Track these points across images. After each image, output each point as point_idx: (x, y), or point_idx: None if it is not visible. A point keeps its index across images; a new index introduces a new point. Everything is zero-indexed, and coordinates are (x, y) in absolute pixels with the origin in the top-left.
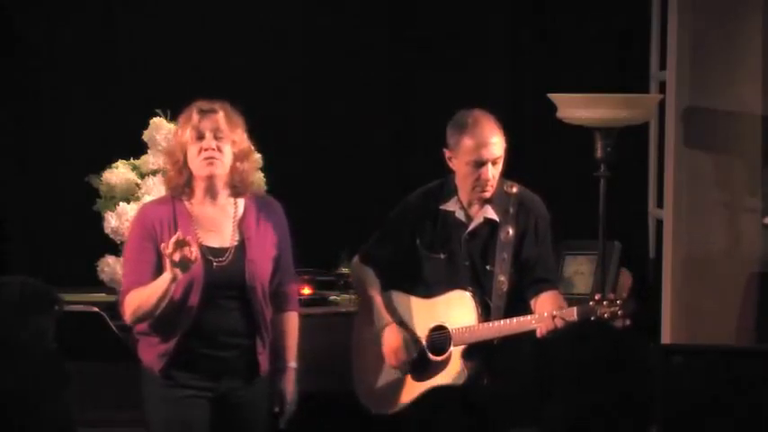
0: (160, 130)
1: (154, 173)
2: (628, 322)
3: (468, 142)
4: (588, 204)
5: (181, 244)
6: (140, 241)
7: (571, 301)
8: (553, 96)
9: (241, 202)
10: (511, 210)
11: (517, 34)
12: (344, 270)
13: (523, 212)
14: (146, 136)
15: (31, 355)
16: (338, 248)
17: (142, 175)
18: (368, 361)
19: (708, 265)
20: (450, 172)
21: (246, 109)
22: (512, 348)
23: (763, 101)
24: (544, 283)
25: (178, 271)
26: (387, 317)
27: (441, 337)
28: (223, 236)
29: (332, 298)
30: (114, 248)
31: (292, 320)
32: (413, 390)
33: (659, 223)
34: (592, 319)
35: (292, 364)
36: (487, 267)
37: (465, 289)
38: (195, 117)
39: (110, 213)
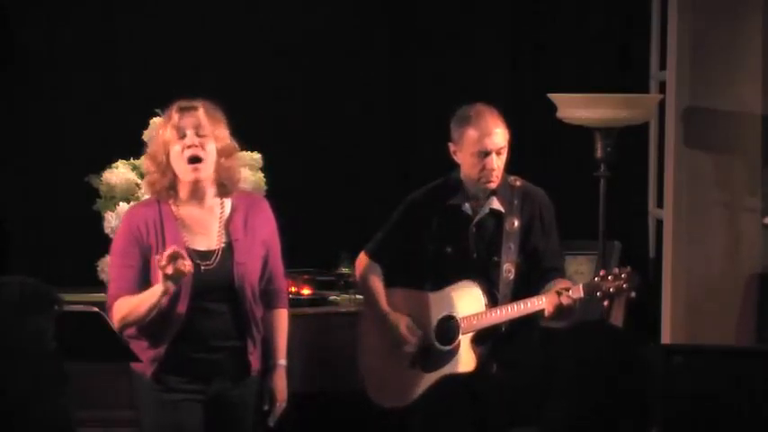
0: None
1: None
2: (633, 295)
3: (471, 134)
4: (588, 204)
5: (174, 257)
6: (126, 245)
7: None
8: (553, 96)
9: (228, 201)
10: (515, 201)
11: (517, 34)
12: (344, 270)
13: (528, 203)
14: (146, 136)
15: (31, 355)
16: (338, 248)
17: (142, 175)
18: (376, 357)
19: (708, 265)
20: (455, 167)
21: (246, 109)
22: (521, 339)
23: (763, 101)
24: (553, 272)
25: (170, 284)
26: (387, 308)
27: (449, 326)
28: (210, 238)
29: (332, 298)
30: None
31: (282, 318)
32: (424, 381)
33: (659, 223)
34: (598, 294)
35: (282, 361)
36: (494, 258)
37: (472, 279)
38: (175, 116)
39: (110, 213)
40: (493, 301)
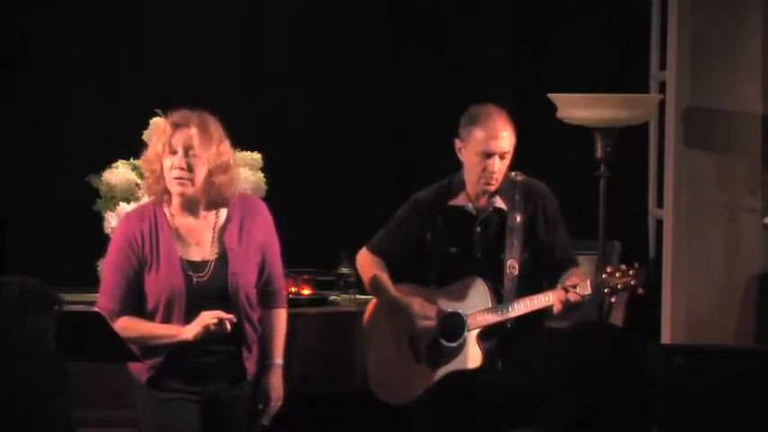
0: None
1: None
2: (641, 291)
3: (478, 133)
4: (588, 204)
5: (220, 323)
6: (120, 255)
7: None
8: (553, 96)
9: (223, 211)
10: (517, 197)
11: (517, 34)
12: (344, 270)
13: (530, 198)
14: (146, 136)
15: (30, 355)
16: (338, 248)
17: (142, 175)
18: (382, 353)
19: (708, 265)
20: (458, 166)
21: (246, 109)
22: (527, 337)
23: (763, 101)
24: (565, 263)
25: (193, 337)
26: (396, 292)
27: (455, 322)
28: (204, 248)
29: (332, 298)
30: None
31: (280, 317)
32: (430, 377)
33: (659, 223)
34: (606, 290)
35: (278, 360)
36: (499, 256)
37: (477, 277)
38: (168, 130)
39: (110, 213)
40: (498, 298)
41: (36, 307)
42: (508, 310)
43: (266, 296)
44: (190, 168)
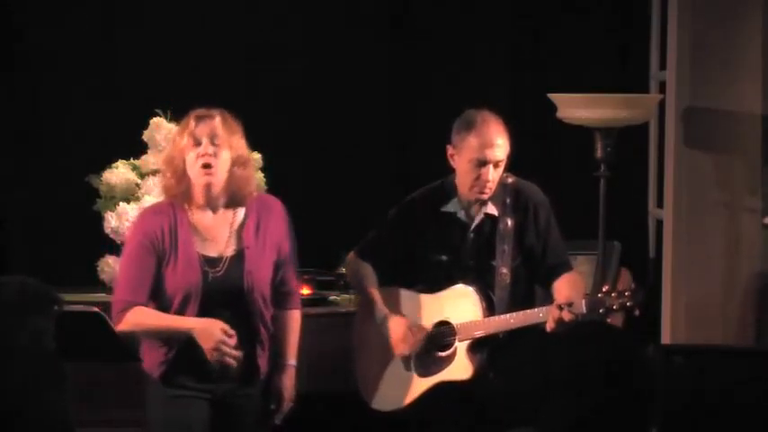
0: (160, 130)
1: (154, 173)
2: (637, 313)
3: (472, 141)
4: (588, 204)
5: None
6: (140, 250)
7: None
8: (553, 96)
9: (241, 210)
10: (508, 200)
11: (517, 34)
12: (344, 270)
13: (521, 201)
14: (146, 136)
15: (30, 355)
16: (338, 248)
17: (142, 175)
18: (372, 359)
19: (708, 265)
20: (451, 171)
21: (246, 109)
22: (517, 344)
23: (763, 101)
24: (558, 268)
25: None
26: (386, 309)
27: (445, 332)
28: (220, 245)
29: (332, 298)
30: (114, 248)
31: (294, 318)
32: (419, 386)
33: (659, 223)
34: (601, 311)
35: (292, 361)
36: (492, 263)
37: (468, 284)
38: (192, 123)
39: (110, 213)
40: (490, 306)
41: (36, 307)
42: (501, 324)
43: (281, 296)
44: (215, 155)
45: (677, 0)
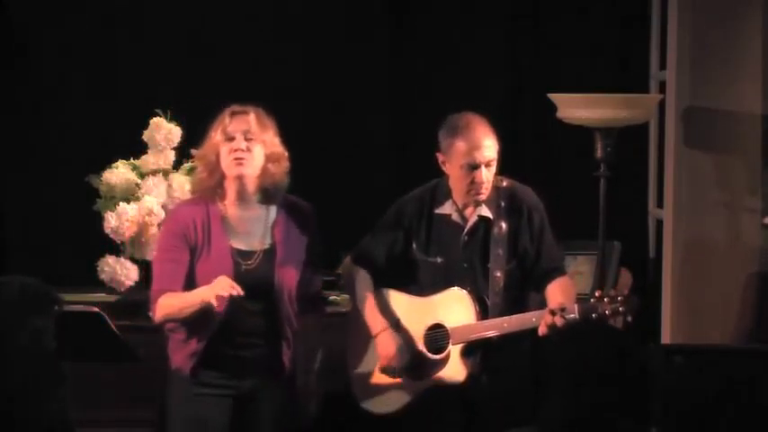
0: (160, 130)
1: (154, 173)
2: (630, 319)
3: (461, 145)
4: (588, 204)
5: (234, 297)
6: (174, 241)
7: None
8: (553, 96)
9: (273, 207)
10: (502, 203)
11: (517, 34)
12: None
13: (515, 204)
14: (146, 136)
15: (30, 355)
16: (338, 248)
17: (142, 175)
18: (364, 362)
19: (708, 265)
20: (444, 174)
21: None
22: (511, 346)
23: (763, 101)
24: (551, 272)
25: (213, 304)
26: (381, 322)
27: (438, 335)
28: (253, 239)
29: (332, 298)
30: (114, 248)
31: (317, 323)
32: (412, 389)
33: (659, 223)
34: (593, 316)
35: (315, 365)
36: (486, 266)
37: (462, 287)
38: (227, 119)
39: (110, 213)
40: (484, 309)
41: (36, 307)
42: (494, 328)
43: (307, 300)
44: (248, 150)
45: (677, 0)
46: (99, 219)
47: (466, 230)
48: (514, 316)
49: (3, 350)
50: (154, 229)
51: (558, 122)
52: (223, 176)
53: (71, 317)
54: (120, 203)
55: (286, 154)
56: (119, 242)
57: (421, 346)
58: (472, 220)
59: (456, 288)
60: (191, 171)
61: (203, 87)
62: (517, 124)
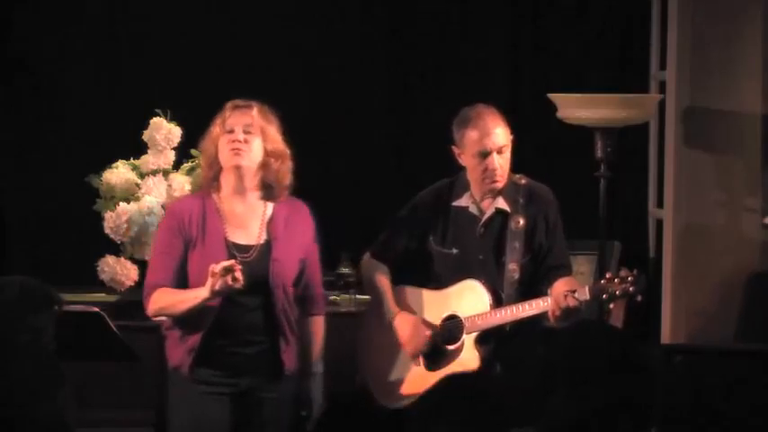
0: (160, 130)
1: (154, 173)
2: (640, 298)
3: (472, 135)
4: (588, 204)
5: (228, 270)
6: (169, 234)
7: None
8: (553, 96)
9: (271, 204)
10: (521, 200)
11: (517, 34)
12: (344, 270)
13: (533, 201)
14: (146, 136)
15: (30, 354)
16: (338, 248)
17: (142, 175)
18: (379, 355)
19: (708, 265)
20: (461, 168)
21: None
22: (524, 337)
23: (763, 101)
24: (557, 270)
25: (217, 295)
26: (396, 308)
27: (453, 325)
28: (250, 233)
29: (332, 298)
30: (114, 248)
31: (318, 325)
32: (427, 380)
33: (659, 223)
34: (604, 297)
35: (319, 368)
36: (501, 258)
37: (477, 279)
38: (228, 112)
39: (110, 213)
40: (498, 302)
41: (36, 307)
42: (507, 315)
43: (305, 302)
44: (246, 142)
45: (677, 0)
46: (99, 219)
47: (482, 222)
48: (527, 301)
49: (2, 350)
50: (154, 229)
51: (558, 122)
52: (221, 169)
53: (71, 317)
54: (120, 203)
55: (289, 152)
56: (119, 242)
57: (436, 337)
58: (489, 212)
59: (470, 279)
60: (191, 171)
61: (203, 87)
62: (517, 124)
